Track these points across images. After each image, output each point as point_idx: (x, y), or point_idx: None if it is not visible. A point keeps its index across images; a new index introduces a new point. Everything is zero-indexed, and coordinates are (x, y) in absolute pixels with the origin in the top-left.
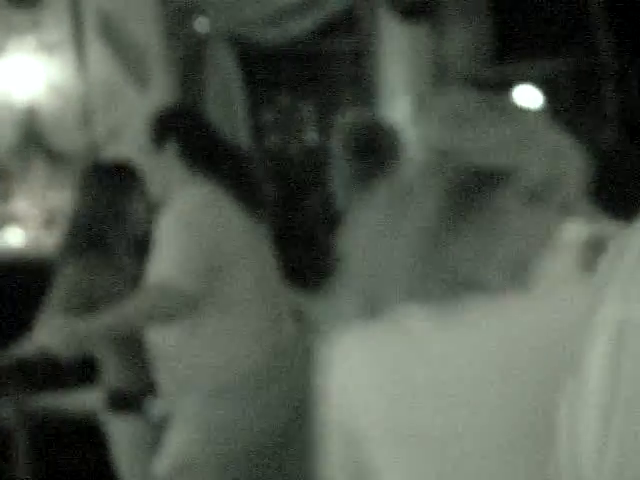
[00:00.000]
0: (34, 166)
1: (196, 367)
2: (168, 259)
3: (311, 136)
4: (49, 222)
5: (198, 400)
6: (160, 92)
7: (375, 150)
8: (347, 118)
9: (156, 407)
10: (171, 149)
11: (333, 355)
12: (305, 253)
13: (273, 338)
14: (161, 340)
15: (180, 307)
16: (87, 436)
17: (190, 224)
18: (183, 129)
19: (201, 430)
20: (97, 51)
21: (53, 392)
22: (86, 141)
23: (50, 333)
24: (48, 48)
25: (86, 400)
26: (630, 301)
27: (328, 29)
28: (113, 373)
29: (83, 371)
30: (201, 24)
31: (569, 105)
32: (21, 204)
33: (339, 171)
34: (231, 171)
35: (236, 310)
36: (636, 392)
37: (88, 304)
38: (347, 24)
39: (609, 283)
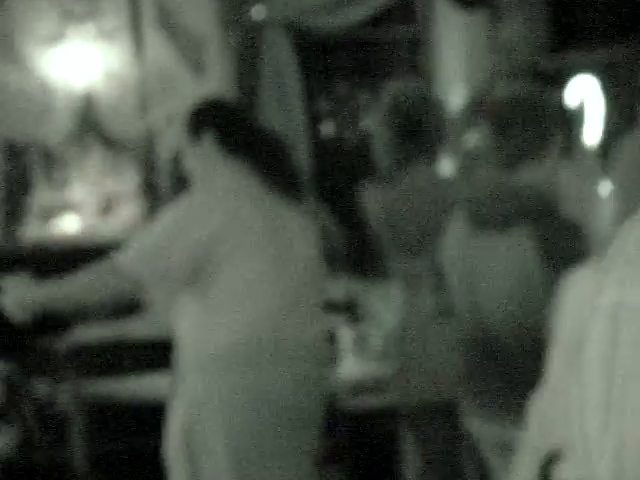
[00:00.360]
0: (91, 153)
1: (202, 344)
2: (138, 241)
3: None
4: (106, 209)
5: (201, 377)
6: (216, 79)
7: (421, 126)
8: (392, 91)
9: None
10: (208, 139)
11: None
12: (360, 241)
13: (282, 325)
14: (176, 316)
15: (123, 289)
16: (143, 422)
17: (200, 211)
18: (219, 120)
19: (206, 408)
20: (154, 38)
21: (110, 378)
22: (142, 128)
23: (5, 295)
24: (106, 35)
25: (143, 386)
26: (625, 285)
27: (385, 17)
28: None
29: (141, 357)
30: (257, 11)
31: (630, 95)
32: (78, 191)
33: (382, 150)
34: (266, 159)
35: (242, 294)
36: (631, 373)
37: None
38: (404, 12)
39: (611, 269)
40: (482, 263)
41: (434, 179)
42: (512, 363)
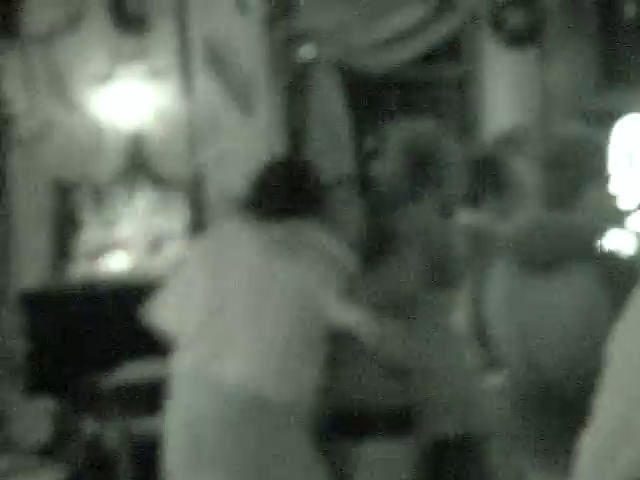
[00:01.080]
0: (140, 192)
1: None
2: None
3: None
4: (154, 247)
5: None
6: (265, 120)
7: (431, 165)
8: (403, 130)
9: None
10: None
11: None
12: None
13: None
14: None
15: None
16: None
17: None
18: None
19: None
20: (203, 78)
21: (156, 417)
22: (191, 168)
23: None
24: (155, 75)
25: None
26: None
27: (433, 55)
28: None
29: None
30: (306, 51)
31: None
32: (127, 230)
33: (392, 187)
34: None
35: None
36: None
37: None
38: (452, 50)
39: None
40: (537, 306)
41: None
42: (569, 408)
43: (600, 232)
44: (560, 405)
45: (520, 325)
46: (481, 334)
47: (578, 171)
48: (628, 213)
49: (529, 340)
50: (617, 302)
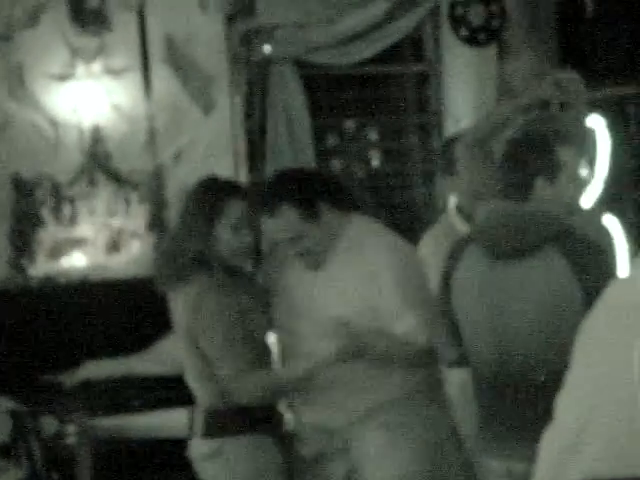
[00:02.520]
0: (99, 190)
1: None
2: None
3: (376, 160)
4: (114, 246)
5: None
6: (225, 117)
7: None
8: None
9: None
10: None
11: None
12: None
13: None
14: None
15: None
16: (151, 460)
17: None
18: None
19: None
20: (163, 75)
21: (118, 415)
22: (151, 165)
23: (244, 390)
24: (115, 73)
25: (151, 424)
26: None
27: (393, 53)
28: None
29: (148, 394)
30: (266, 48)
31: (636, 133)
32: (86, 227)
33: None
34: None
35: None
36: None
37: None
38: (412, 48)
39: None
40: (506, 293)
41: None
42: (539, 396)
43: (560, 217)
44: (530, 393)
45: (490, 312)
46: (449, 327)
47: (529, 166)
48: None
49: (499, 327)
50: (586, 285)
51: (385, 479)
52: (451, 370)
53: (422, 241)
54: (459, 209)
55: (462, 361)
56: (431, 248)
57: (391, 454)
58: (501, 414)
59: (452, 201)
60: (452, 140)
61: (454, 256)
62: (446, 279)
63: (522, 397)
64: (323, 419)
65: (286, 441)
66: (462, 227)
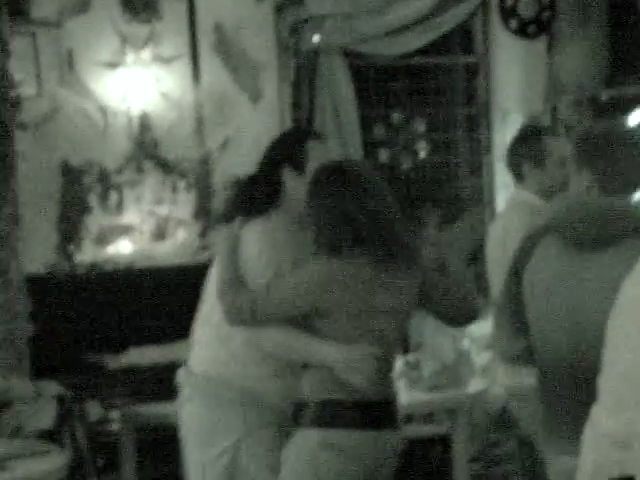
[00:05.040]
0: (147, 177)
1: None
2: None
3: (423, 152)
4: (160, 233)
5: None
6: (272, 106)
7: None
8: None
9: None
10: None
11: None
12: None
13: None
14: None
15: None
16: None
17: None
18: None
19: None
20: (212, 64)
21: (162, 401)
22: (198, 153)
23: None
24: (164, 60)
25: None
26: None
27: (442, 44)
28: None
29: None
30: (315, 38)
31: None
32: (133, 215)
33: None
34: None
35: None
36: None
37: None
38: (462, 39)
39: None
40: (588, 287)
41: None
42: None
43: None
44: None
45: (566, 306)
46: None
47: (618, 162)
48: None
49: (575, 321)
50: None
51: None
52: (512, 367)
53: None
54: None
55: (526, 356)
56: (514, 222)
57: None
58: (573, 410)
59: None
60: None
61: (527, 247)
62: (516, 270)
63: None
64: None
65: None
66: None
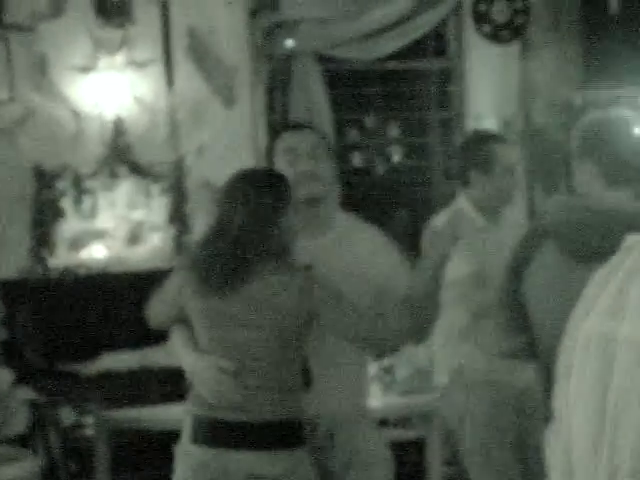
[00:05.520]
0: (120, 182)
1: None
2: None
3: (397, 156)
4: (133, 238)
5: None
6: (247, 111)
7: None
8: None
9: None
10: None
11: None
12: None
13: None
14: None
15: None
16: (168, 452)
17: None
18: None
19: None
20: (186, 68)
21: (136, 406)
22: (172, 158)
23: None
24: (137, 64)
25: (169, 415)
26: (616, 319)
27: (416, 49)
28: None
29: (164, 387)
30: (289, 42)
31: None
32: (107, 220)
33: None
34: None
35: None
36: (621, 404)
37: None
38: (435, 44)
39: (600, 296)
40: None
41: None
42: None
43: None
44: None
45: (566, 314)
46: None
47: (617, 157)
48: None
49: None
50: None
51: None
52: (514, 361)
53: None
54: (478, 203)
55: (527, 352)
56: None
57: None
58: None
59: (467, 195)
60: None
61: (528, 248)
62: (517, 270)
63: None
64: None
65: None
66: (476, 217)
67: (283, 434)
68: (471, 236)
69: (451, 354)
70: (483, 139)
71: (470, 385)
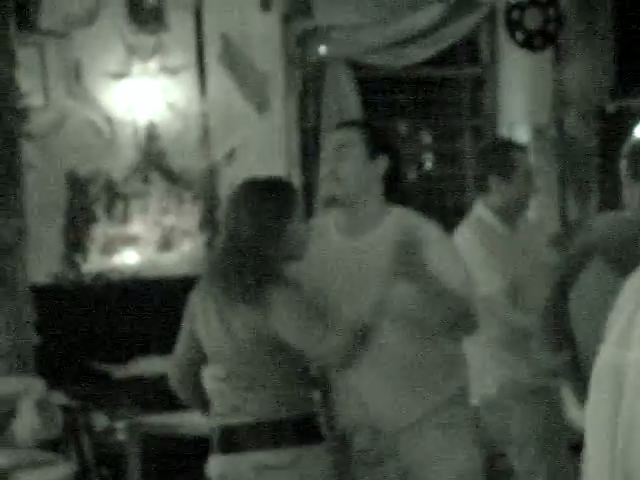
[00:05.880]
0: (153, 188)
1: None
2: None
3: (429, 163)
4: (166, 244)
5: None
6: (279, 117)
7: None
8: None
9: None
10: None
11: None
12: None
13: None
14: None
15: None
16: (200, 458)
17: None
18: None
19: None
20: (218, 74)
21: (168, 412)
22: (205, 164)
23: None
24: (170, 70)
25: (199, 423)
26: (625, 347)
27: (449, 56)
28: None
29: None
30: (322, 49)
31: None
32: (139, 225)
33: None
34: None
35: None
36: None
37: None
38: (468, 51)
39: (614, 324)
40: None
41: None
42: None
43: None
44: None
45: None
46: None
47: None
48: None
49: None
50: None
51: None
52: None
53: (457, 232)
54: (498, 210)
55: (572, 369)
56: (468, 237)
57: (448, 455)
58: None
59: (485, 201)
60: None
61: (574, 265)
62: (563, 287)
63: None
64: (373, 421)
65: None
66: (495, 224)
67: (287, 431)
68: (495, 246)
69: (497, 366)
70: (502, 145)
71: (519, 396)
